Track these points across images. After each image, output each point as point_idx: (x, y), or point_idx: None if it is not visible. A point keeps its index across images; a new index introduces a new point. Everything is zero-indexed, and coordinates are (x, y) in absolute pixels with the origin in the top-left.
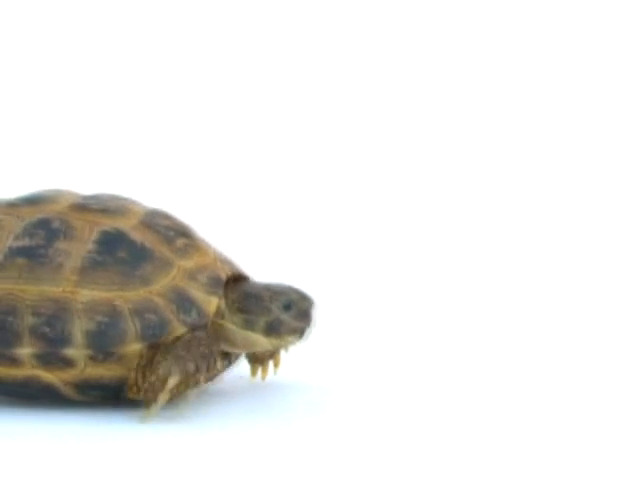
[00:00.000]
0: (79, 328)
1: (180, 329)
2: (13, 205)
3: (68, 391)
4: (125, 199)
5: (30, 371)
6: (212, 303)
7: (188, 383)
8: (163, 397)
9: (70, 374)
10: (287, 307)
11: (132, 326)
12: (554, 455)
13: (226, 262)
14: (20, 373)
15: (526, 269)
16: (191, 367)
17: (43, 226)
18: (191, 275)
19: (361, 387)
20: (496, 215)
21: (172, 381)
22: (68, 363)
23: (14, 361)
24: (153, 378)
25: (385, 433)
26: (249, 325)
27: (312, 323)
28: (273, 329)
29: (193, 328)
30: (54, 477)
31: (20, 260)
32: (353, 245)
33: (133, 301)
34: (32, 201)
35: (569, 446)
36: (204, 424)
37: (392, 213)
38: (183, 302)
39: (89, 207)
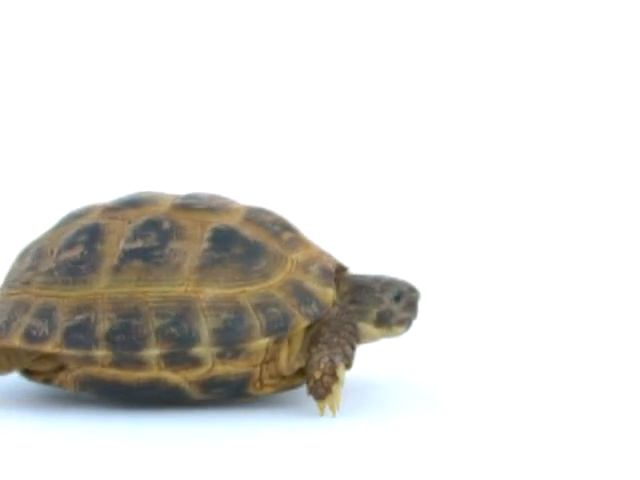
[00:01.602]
0: (206, 326)
1: (303, 322)
2: (114, 209)
3: (193, 391)
4: (222, 197)
5: (156, 373)
6: (329, 294)
7: (350, 365)
8: (338, 388)
9: (197, 373)
10: (397, 298)
11: (257, 321)
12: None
13: (327, 254)
14: (145, 375)
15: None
16: (349, 350)
17: (153, 227)
18: (304, 268)
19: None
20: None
21: (341, 371)
22: (196, 362)
23: (141, 364)
24: (318, 374)
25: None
26: (361, 316)
27: (417, 314)
28: (384, 320)
29: (315, 320)
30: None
31: (136, 262)
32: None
33: (255, 296)
34: (132, 203)
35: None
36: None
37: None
38: (303, 295)
39: (193, 206)
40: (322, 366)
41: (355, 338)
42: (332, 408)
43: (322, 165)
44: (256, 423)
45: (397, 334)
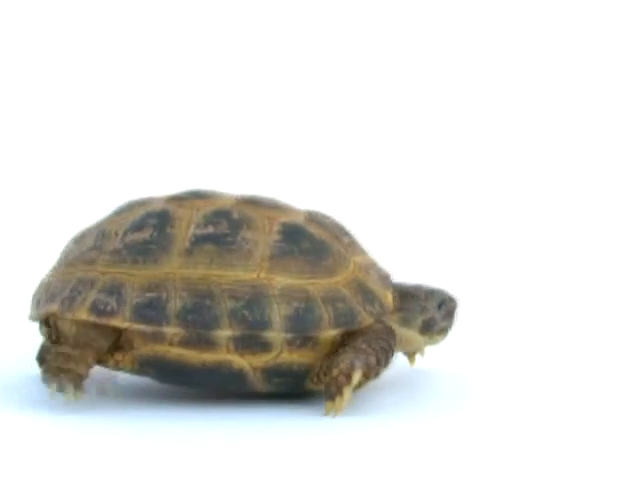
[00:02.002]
0: (277, 312)
1: (368, 319)
2: (180, 198)
3: (255, 378)
4: (279, 200)
5: (224, 355)
6: (388, 297)
7: (369, 375)
8: (348, 391)
9: (263, 359)
10: (439, 307)
11: (326, 313)
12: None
13: (378, 261)
14: (212, 358)
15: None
16: (372, 360)
17: (223, 216)
18: (365, 270)
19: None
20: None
21: (357, 375)
22: (266, 347)
23: (211, 344)
24: (336, 372)
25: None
26: (406, 323)
27: (455, 323)
28: (428, 327)
29: (377, 319)
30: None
31: (208, 246)
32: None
33: (323, 290)
34: (197, 195)
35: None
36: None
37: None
38: (366, 294)
39: (258, 202)
40: (341, 365)
41: (386, 354)
42: (337, 410)
43: (336, 178)
44: (260, 423)
45: (436, 342)
